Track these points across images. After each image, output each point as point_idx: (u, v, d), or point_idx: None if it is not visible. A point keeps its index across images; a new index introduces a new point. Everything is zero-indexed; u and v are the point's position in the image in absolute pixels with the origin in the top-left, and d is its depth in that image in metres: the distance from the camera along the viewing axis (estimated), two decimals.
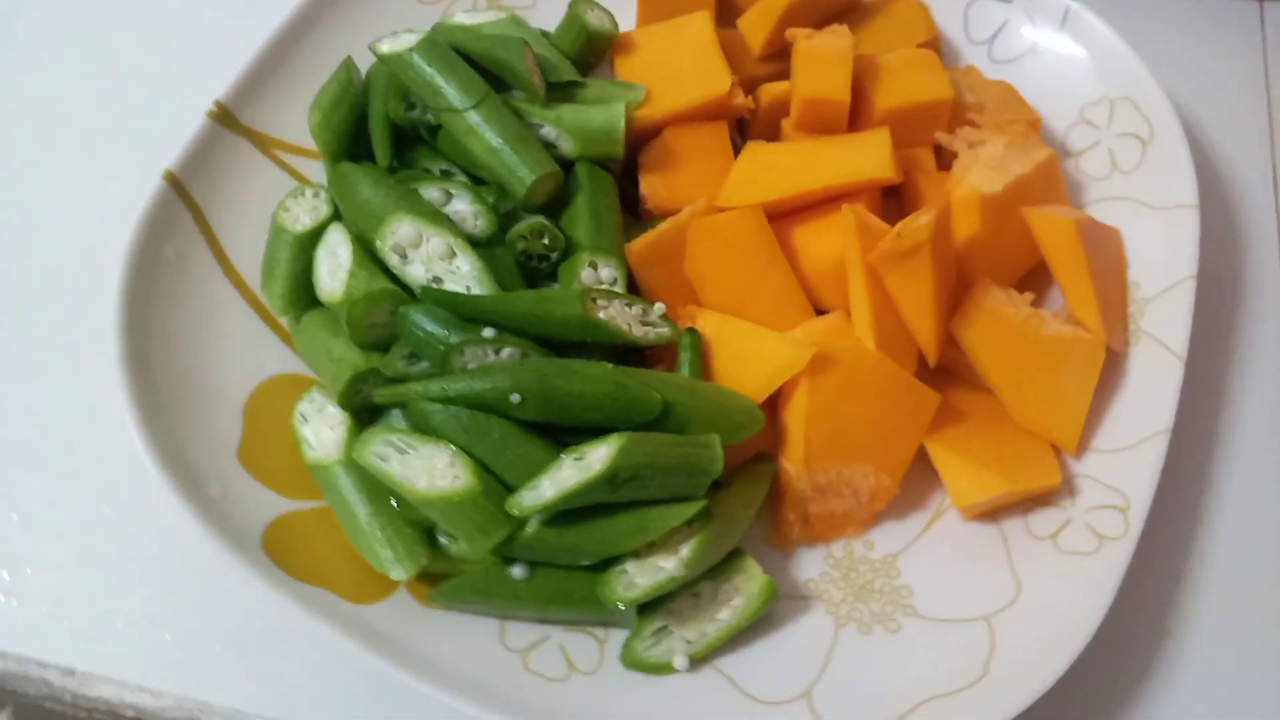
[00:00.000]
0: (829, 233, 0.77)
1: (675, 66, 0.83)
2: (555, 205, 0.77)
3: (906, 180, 0.80)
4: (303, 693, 0.70)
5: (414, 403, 0.67)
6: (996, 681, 0.64)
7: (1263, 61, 0.98)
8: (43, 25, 1.02)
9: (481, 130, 0.75)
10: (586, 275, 0.74)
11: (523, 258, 0.75)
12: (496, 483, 0.65)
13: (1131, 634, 0.71)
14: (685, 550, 0.65)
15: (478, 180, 0.78)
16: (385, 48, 0.78)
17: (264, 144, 0.82)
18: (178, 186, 0.77)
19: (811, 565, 0.73)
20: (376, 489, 0.68)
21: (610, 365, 0.68)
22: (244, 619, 0.72)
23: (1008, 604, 0.68)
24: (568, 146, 0.78)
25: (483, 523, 0.64)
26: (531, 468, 0.65)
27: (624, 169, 0.82)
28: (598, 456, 0.63)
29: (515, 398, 0.65)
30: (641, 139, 0.82)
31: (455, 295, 0.69)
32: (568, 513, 0.65)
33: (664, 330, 0.73)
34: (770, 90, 0.83)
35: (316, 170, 0.83)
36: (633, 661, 0.66)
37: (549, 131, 0.78)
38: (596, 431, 0.65)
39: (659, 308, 0.73)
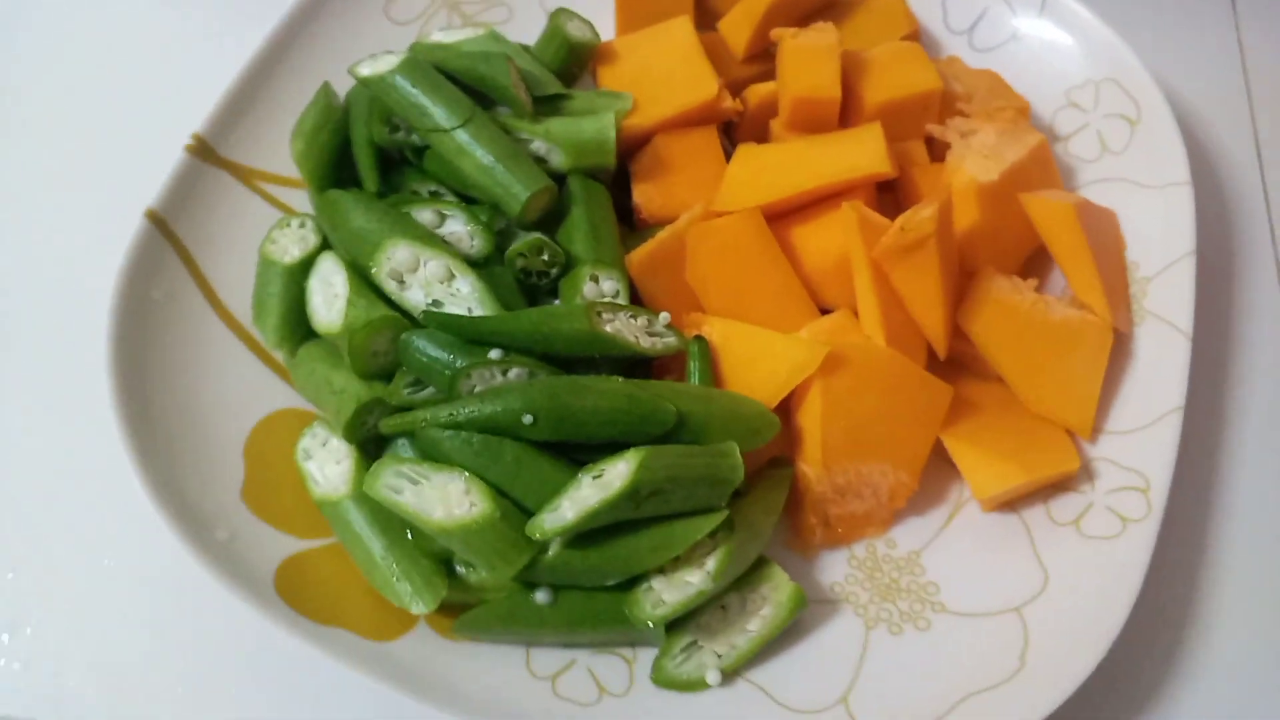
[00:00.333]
0: (828, 231, 0.76)
1: (660, 73, 0.82)
2: (550, 220, 0.76)
3: (901, 174, 0.79)
4: None
5: (423, 430, 0.65)
6: (1035, 673, 0.63)
7: (1236, 39, 0.98)
8: (16, 63, 0.99)
9: (471, 149, 0.73)
10: (589, 289, 0.72)
11: (522, 275, 0.74)
12: (514, 507, 0.64)
13: (1157, 615, 0.71)
14: (711, 563, 0.64)
15: (468, 200, 0.77)
16: (366, 71, 0.77)
17: (246, 176, 0.80)
18: (161, 225, 0.74)
19: (835, 568, 0.72)
20: (389, 522, 0.67)
21: (621, 379, 0.67)
22: (258, 669, 0.69)
23: (1037, 594, 0.68)
24: (559, 160, 0.77)
25: (504, 549, 0.63)
26: (549, 489, 0.63)
27: (614, 179, 0.81)
28: (617, 473, 0.62)
29: (527, 418, 0.64)
30: (631, 148, 0.81)
31: (458, 318, 0.68)
32: (589, 532, 0.63)
33: (671, 340, 0.72)
34: (757, 91, 0.83)
35: (301, 200, 0.81)
36: (664, 679, 0.65)
37: (539, 146, 0.77)
38: (611, 448, 0.64)
39: (664, 317, 0.72)
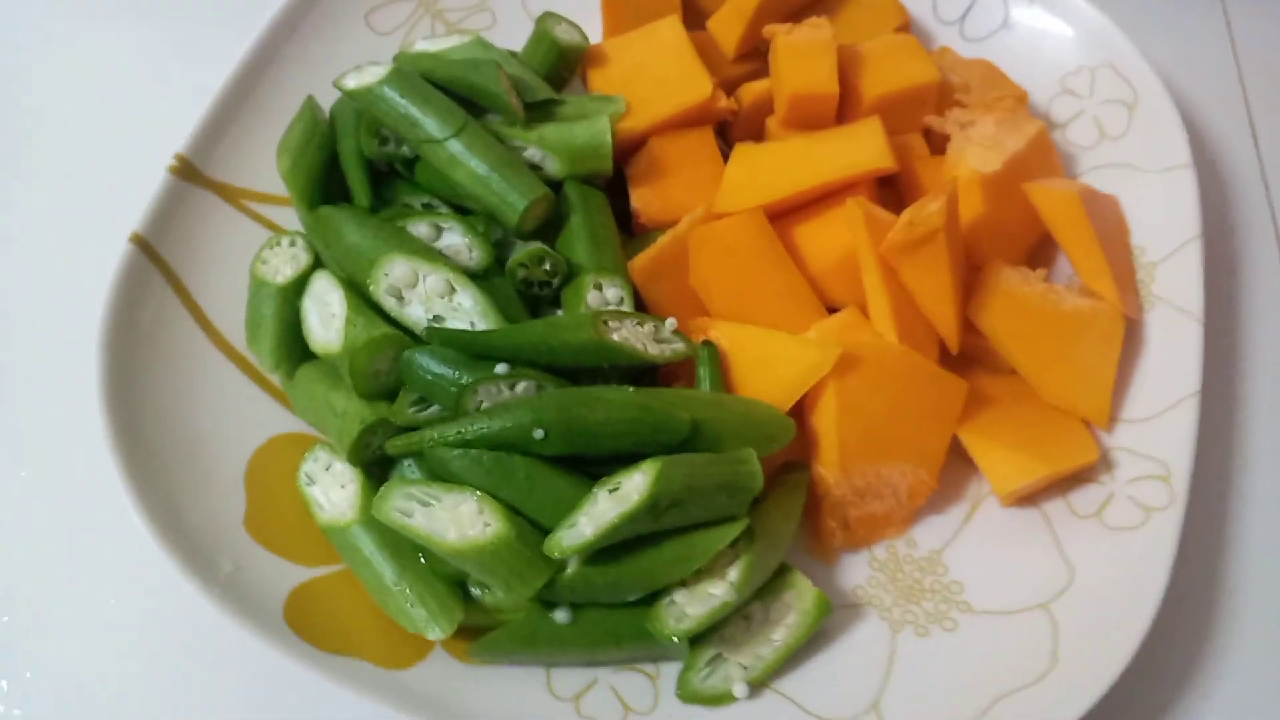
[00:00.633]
0: (831, 229, 0.75)
1: (653, 75, 0.80)
2: (548, 229, 0.74)
3: (901, 168, 0.78)
4: None
5: (431, 450, 0.63)
6: (1068, 670, 0.62)
7: (1225, 22, 0.98)
8: None
9: (465, 159, 0.71)
10: (593, 297, 0.71)
11: (523, 286, 0.72)
12: (529, 525, 0.62)
13: (1180, 604, 0.70)
14: (733, 573, 0.62)
15: (462, 211, 0.75)
16: (352, 83, 0.75)
17: (231, 195, 0.78)
18: (146, 249, 0.72)
19: (856, 571, 0.70)
20: (400, 546, 0.65)
21: (631, 388, 0.65)
22: (270, 705, 0.67)
23: (1063, 589, 0.66)
24: (554, 167, 0.75)
25: (521, 569, 0.61)
26: (564, 505, 0.62)
27: (609, 184, 0.79)
28: (634, 486, 0.60)
29: (539, 433, 0.62)
30: (625, 152, 0.79)
31: (462, 333, 0.66)
32: (607, 548, 0.61)
33: (679, 346, 0.70)
34: (751, 90, 0.81)
35: (289, 218, 0.79)
36: (689, 694, 0.63)
37: (533, 153, 0.75)
38: (625, 460, 0.63)
39: (671, 323, 0.71)
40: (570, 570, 0.62)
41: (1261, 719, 0.67)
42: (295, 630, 0.62)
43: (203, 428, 0.69)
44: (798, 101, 0.77)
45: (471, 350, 0.66)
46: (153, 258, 0.72)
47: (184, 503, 0.65)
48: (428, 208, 0.76)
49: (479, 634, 0.64)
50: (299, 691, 0.66)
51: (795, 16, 0.84)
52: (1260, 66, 0.95)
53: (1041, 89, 0.85)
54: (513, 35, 0.86)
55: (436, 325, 0.67)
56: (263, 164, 0.79)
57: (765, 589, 0.65)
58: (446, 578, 0.64)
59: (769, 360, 0.69)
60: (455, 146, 0.72)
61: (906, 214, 0.69)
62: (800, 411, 0.70)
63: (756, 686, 0.64)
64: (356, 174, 0.76)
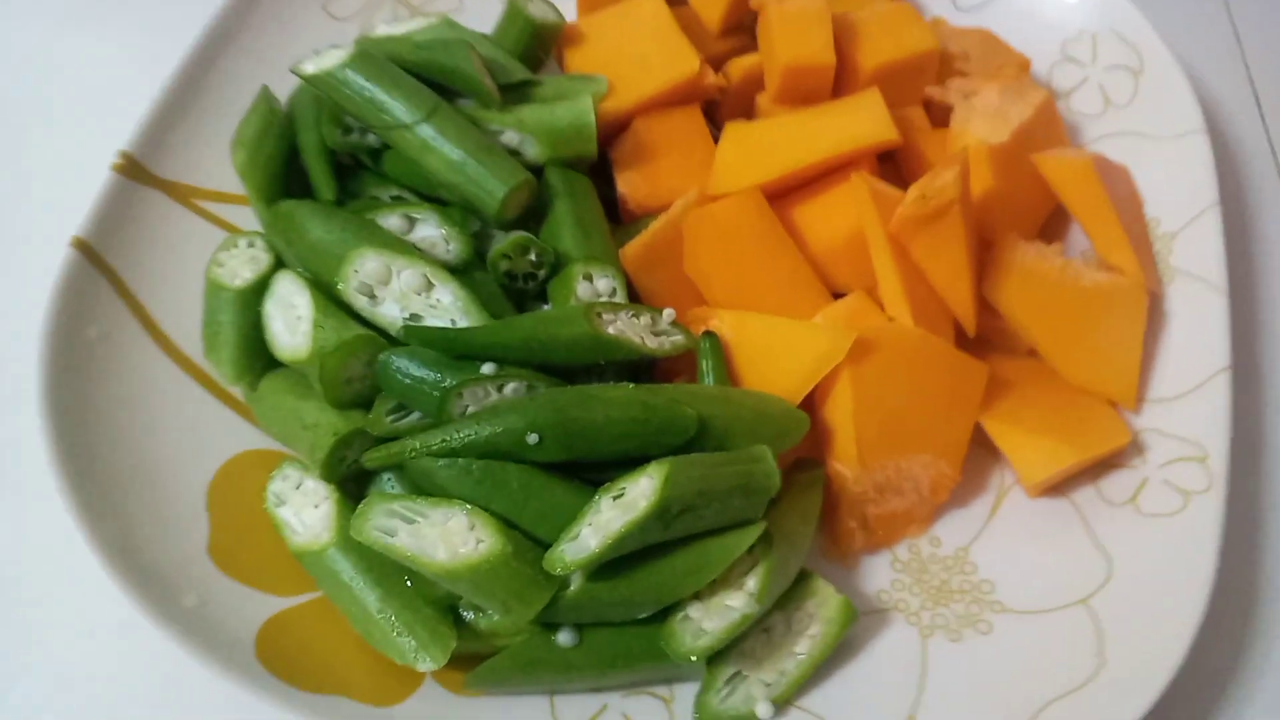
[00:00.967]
0: (834, 207, 0.70)
1: (634, 52, 0.75)
2: (530, 217, 0.69)
3: (903, 142, 0.73)
4: None
5: (413, 461, 0.57)
6: (1120, 669, 0.57)
7: None
8: None
9: (438, 144, 0.66)
10: (582, 289, 0.65)
11: (507, 280, 0.66)
12: (526, 540, 0.56)
13: (1220, 592, 0.66)
14: (752, 582, 0.57)
15: (436, 202, 0.69)
16: (311, 68, 0.69)
17: (182, 194, 0.72)
18: (90, 255, 0.66)
19: (878, 574, 0.65)
20: (383, 569, 0.59)
21: (631, 385, 0.60)
22: None
23: (1102, 582, 0.62)
24: (534, 151, 0.70)
25: (519, 589, 0.55)
26: (564, 516, 0.56)
27: (591, 170, 0.74)
28: (641, 491, 0.55)
29: (532, 438, 0.56)
30: (609, 135, 0.74)
31: (442, 331, 0.60)
32: (614, 561, 0.56)
33: (678, 338, 0.65)
34: (740, 65, 0.77)
35: (246, 217, 0.73)
36: (710, 717, 0.58)
37: (511, 137, 0.70)
38: (627, 463, 0.57)
39: (669, 314, 0.66)
40: (574, 587, 0.57)
41: None
42: (269, 668, 0.56)
43: (158, 448, 0.63)
44: (792, 74, 0.72)
45: (454, 350, 0.60)
46: (98, 264, 0.66)
47: (139, 531, 0.59)
48: (398, 200, 0.70)
49: (474, 662, 0.58)
50: None
51: None
52: (1259, 34, 0.92)
53: (1042, 57, 0.82)
54: (481, 17, 0.81)
55: (414, 324, 0.61)
56: (215, 160, 0.73)
57: (785, 598, 0.60)
58: (436, 602, 0.58)
59: (777, 350, 0.64)
60: (426, 131, 0.66)
61: (916, 187, 0.64)
62: (811, 404, 0.65)
63: (782, 705, 0.58)
64: (319, 166, 0.70)
